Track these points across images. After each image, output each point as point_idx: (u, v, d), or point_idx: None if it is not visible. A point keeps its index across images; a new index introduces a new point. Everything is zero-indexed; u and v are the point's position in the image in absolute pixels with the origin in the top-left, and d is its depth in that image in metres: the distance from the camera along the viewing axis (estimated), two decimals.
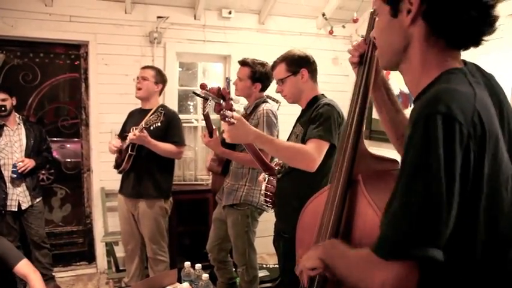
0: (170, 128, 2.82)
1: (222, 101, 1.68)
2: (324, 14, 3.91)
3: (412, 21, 0.84)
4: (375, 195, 1.05)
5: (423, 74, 0.86)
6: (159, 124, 2.66)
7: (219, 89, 1.73)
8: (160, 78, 2.94)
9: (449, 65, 0.84)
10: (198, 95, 2.64)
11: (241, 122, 1.70)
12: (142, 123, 2.67)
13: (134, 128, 2.68)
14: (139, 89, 2.88)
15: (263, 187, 2.17)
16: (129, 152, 2.74)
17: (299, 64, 2.03)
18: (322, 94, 2.08)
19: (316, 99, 2.03)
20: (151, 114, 2.76)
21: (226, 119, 1.65)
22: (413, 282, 0.76)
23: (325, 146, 1.81)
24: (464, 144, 0.72)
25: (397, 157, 1.14)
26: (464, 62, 0.88)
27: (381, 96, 1.23)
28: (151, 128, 2.65)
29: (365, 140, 1.18)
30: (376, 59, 1.16)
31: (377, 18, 0.96)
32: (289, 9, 3.91)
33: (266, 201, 2.15)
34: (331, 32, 3.96)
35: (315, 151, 1.78)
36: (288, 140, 2.06)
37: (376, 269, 0.79)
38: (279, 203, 2.09)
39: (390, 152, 1.24)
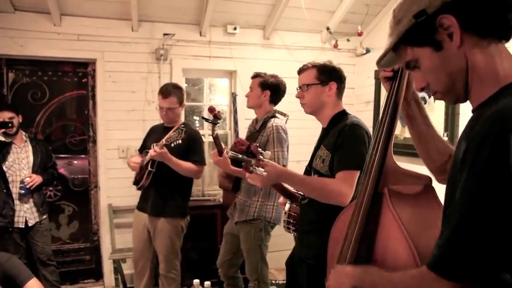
0: (192, 146, 2.80)
1: (252, 160, 1.64)
2: (328, 28, 3.93)
3: (461, 41, 0.83)
4: (400, 209, 1.05)
5: (486, 83, 0.84)
6: (180, 142, 2.59)
7: (248, 146, 1.67)
8: (182, 97, 2.88)
9: None
10: (207, 120, 2.66)
11: (272, 167, 1.67)
12: (163, 140, 2.62)
13: (155, 144, 2.64)
14: (166, 117, 2.84)
15: (285, 210, 2.12)
16: (149, 168, 2.72)
17: (330, 76, 1.89)
18: (344, 110, 1.93)
19: (339, 117, 1.89)
20: (172, 132, 2.72)
21: (254, 172, 1.61)
22: None
23: (357, 174, 1.69)
24: None
25: (425, 172, 1.15)
26: None
27: (411, 110, 1.21)
28: (172, 145, 2.60)
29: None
30: (407, 72, 1.15)
31: (419, 67, 0.92)
32: (294, 24, 3.94)
33: (288, 228, 2.09)
34: (336, 46, 3.98)
35: (347, 186, 1.67)
36: (311, 162, 1.93)
37: (431, 286, 0.77)
38: (303, 229, 1.97)
39: (410, 166, 1.22)
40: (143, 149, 2.94)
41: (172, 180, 2.77)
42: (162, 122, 2.98)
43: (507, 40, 0.85)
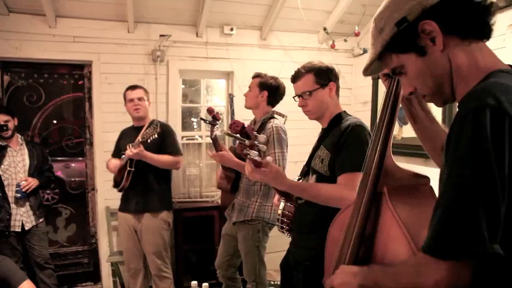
0: (165, 139, 2.87)
1: (246, 140, 1.59)
2: (325, 29, 3.93)
3: (444, 44, 0.85)
4: (400, 208, 1.05)
5: (469, 80, 0.85)
6: (156, 136, 2.68)
7: (243, 126, 1.63)
8: (148, 94, 3.02)
9: (494, 64, 0.85)
10: (205, 121, 2.65)
11: (275, 172, 1.61)
12: (139, 137, 2.70)
13: (130, 145, 2.71)
14: (137, 109, 2.91)
15: (279, 211, 2.08)
16: (128, 168, 2.77)
17: (328, 76, 1.85)
18: (345, 111, 1.90)
19: (339, 117, 1.85)
20: (146, 129, 2.80)
21: (249, 156, 1.56)
22: (468, 279, 0.74)
23: (359, 176, 1.68)
24: None
25: (424, 172, 1.14)
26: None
27: (413, 107, 1.20)
28: (149, 141, 2.68)
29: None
30: None
31: (405, 73, 0.93)
32: (291, 25, 3.93)
33: (282, 227, 2.05)
34: (333, 46, 3.98)
35: (350, 189, 1.59)
36: (310, 161, 1.89)
37: (428, 269, 0.77)
38: (299, 230, 1.94)
39: (408, 166, 1.21)
40: (118, 151, 2.98)
41: (151, 176, 2.84)
42: (132, 124, 3.04)
43: (488, 39, 0.88)
